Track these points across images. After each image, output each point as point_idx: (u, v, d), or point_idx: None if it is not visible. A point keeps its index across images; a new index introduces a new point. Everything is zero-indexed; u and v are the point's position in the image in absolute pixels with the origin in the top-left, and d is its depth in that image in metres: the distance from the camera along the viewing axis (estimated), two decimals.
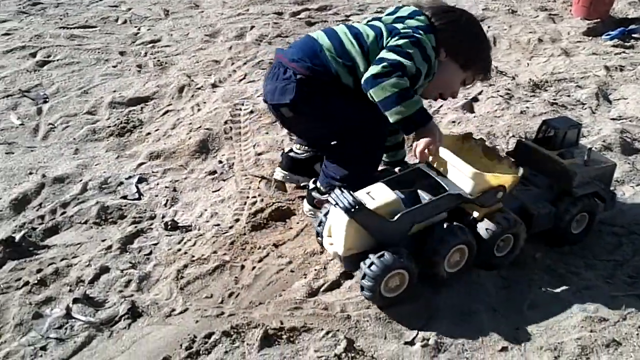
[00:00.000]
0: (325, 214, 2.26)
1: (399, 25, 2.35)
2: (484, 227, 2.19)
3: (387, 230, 2.07)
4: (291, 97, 2.34)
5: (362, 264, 2.05)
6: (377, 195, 2.10)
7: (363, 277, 2.04)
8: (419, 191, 2.26)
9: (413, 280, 2.11)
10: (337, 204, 2.04)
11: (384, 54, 2.25)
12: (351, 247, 2.08)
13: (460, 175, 2.18)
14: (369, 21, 2.46)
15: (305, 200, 2.62)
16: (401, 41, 2.27)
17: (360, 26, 2.42)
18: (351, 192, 2.06)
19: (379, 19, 2.45)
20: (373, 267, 2.01)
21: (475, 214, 2.22)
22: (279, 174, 2.77)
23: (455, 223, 2.17)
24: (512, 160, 2.32)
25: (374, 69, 2.20)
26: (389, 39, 2.31)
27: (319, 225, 2.29)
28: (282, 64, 2.39)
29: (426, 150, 2.22)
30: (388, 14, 2.46)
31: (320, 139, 2.56)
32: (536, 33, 4.66)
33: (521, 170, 2.23)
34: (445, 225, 2.17)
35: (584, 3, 4.90)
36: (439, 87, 2.51)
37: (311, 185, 2.57)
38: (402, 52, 2.24)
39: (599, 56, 4.28)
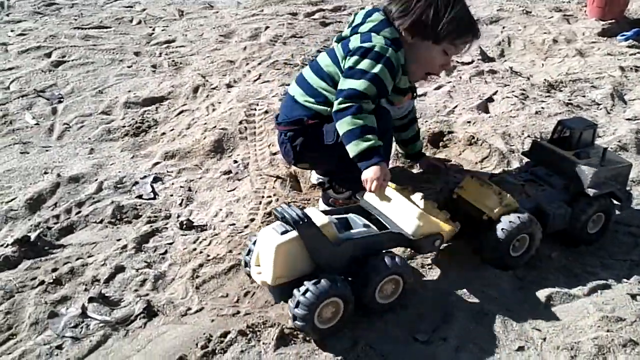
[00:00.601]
0: (254, 242, 2.11)
1: (353, 38, 2.36)
2: (500, 227, 2.18)
3: (327, 254, 1.97)
4: (292, 158, 2.56)
5: (295, 291, 1.92)
6: (313, 217, 1.99)
7: (296, 306, 1.90)
8: (350, 215, 2.21)
9: (348, 310, 1.98)
10: (283, 217, 1.95)
11: (341, 83, 2.30)
12: (281, 275, 1.94)
13: (404, 215, 2.15)
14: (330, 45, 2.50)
15: (320, 199, 2.62)
16: (352, 60, 2.29)
17: (319, 57, 2.49)
18: (298, 208, 1.98)
19: (339, 36, 2.49)
20: (308, 294, 1.89)
21: (493, 214, 2.20)
22: (314, 176, 2.81)
23: (388, 252, 2.08)
24: (449, 214, 2.24)
25: (335, 105, 2.27)
26: (344, 60, 2.34)
27: (247, 255, 2.15)
28: (277, 130, 2.60)
29: (372, 185, 2.22)
30: (348, 26, 2.47)
31: (335, 169, 2.58)
32: (551, 34, 4.64)
33: (458, 225, 2.21)
34: (379, 255, 2.06)
35: (599, 4, 4.88)
36: (422, 68, 2.47)
37: (327, 185, 2.57)
38: (356, 74, 2.26)
39: (613, 57, 4.26)
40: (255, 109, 3.42)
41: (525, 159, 2.57)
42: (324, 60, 2.45)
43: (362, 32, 2.35)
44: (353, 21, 2.45)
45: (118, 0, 5.34)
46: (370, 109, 2.24)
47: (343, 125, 2.22)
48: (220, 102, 3.55)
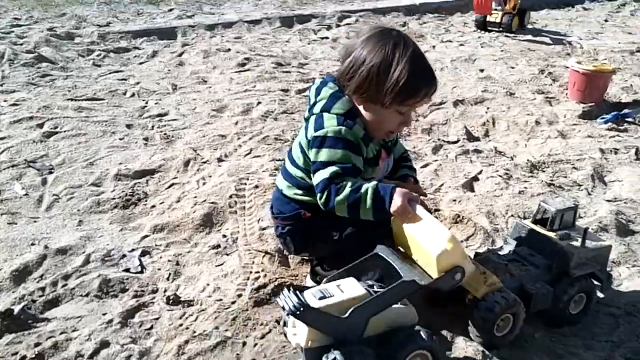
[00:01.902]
0: None
1: (310, 122, 2.31)
2: (485, 306, 2.20)
3: (341, 328, 1.97)
4: (292, 250, 2.58)
5: (324, 357, 1.95)
6: (347, 288, 2.04)
7: None
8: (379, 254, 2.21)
9: None
10: (283, 307, 1.95)
11: (314, 177, 2.26)
12: (313, 339, 1.97)
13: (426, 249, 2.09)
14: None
15: (308, 275, 2.64)
16: (312, 154, 2.25)
17: (293, 146, 2.47)
18: (298, 293, 1.97)
19: (304, 117, 2.42)
20: None
21: (477, 293, 2.23)
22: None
23: (419, 327, 2.07)
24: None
25: (318, 199, 2.24)
26: (309, 150, 2.28)
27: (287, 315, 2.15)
28: (273, 221, 2.62)
29: (402, 215, 2.14)
30: (308, 104, 2.41)
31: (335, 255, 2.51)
32: (533, 115, 4.76)
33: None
34: (408, 329, 2.07)
35: (579, 87, 5.03)
36: (381, 129, 2.35)
37: (315, 262, 2.59)
38: (320, 167, 2.22)
39: (594, 139, 4.37)
40: (246, 184, 3.46)
41: (509, 239, 2.61)
42: (295, 150, 2.43)
43: (315, 113, 2.30)
44: (309, 99, 2.40)
45: (112, 73, 5.44)
46: (343, 183, 2.18)
47: (342, 211, 2.19)
48: (210, 176, 3.59)
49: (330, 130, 2.21)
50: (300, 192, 2.43)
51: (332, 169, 2.19)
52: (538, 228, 2.50)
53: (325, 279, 2.22)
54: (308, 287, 2.10)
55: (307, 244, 2.53)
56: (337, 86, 2.32)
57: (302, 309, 1.91)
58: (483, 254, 2.62)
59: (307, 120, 2.37)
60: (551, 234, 2.45)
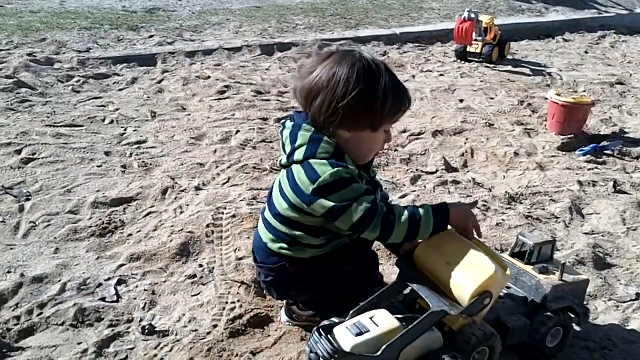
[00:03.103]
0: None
1: (295, 172, 2.18)
2: (461, 339, 2.20)
3: None
4: (275, 296, 2.56)
5: None
6: (380, 321, 2.05)
7: None
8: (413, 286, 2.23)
9: None
10: (315, 352, 1.96)
11: (340, 221, 2.15)
12: None
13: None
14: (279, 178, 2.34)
15: (282, 310, 2.63)
16: (317, 205, 2.14)
17: (274, 195, 2.36)
18: (329, 338, 1.99)
19: (280, 162, 2.31)
20: None
21: (453, 325, 2.23)
22: None
23: (450, 352, 2.12)
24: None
25: (369, 236, 2.18)
26: (308, 205, 2.17)
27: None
28: (256, 267, 2.59)
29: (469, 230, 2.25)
30: (282, 147, 2.30)
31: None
32: (512, 146, 4.82)
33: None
34: (435, 353, 2.12)
35: (558, 119, 5.09)
36: (369, 152, 2.31)
37: (291, 300, 2.59)
38: (334, 215, 2.13)
39: (572, 171, 4.42)
40: (223, 213, 3.46)
41: None
42: (278, 201, 2.31)
43: (297, 161, 2.17)
44: (284, 146, 2.27)
45: (91, 99, 5.42)
46: (375, 204, 2.13)
47: (399, 237, 2.18)
48: (188, 205, 3.58)
49: (329, 174, 2.09)
50: (285, 246, 2.34)
51: (363, 204, 2.10)
52: (515, 261, 2.52)
53: (352, 312, 2.17)
54: (334, 324, 2.09)
55: (291, 291, 2.50)
56: (310, 126, 2.20)
57: (336, 355, 1.92)
58: None
59: (285, 167, 2.25)
60: (528, 268, 2.47)
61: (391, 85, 2.14)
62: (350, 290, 2.35)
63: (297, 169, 2.17)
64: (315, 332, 2.02)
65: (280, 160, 2.29)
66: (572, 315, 2.49)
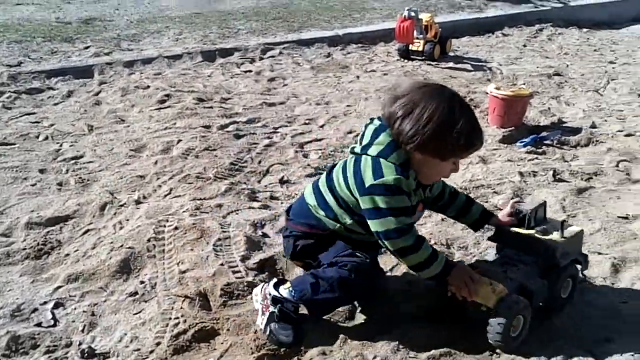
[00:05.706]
0: None
1: (363, 161, 2.41)
2: (499, 313, 2.38)
3: None
4: (290, 254, 2.71)
5: None
6: None
7: None
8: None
9: None
10: None
11: (375, 223, 2.38)
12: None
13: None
14: (346, 160, 2.55)
15: (258, 287, 2.66)
16: (367, 199, 2.37)
17: (335, 173, 2.57)
18: None
19: (352, 149, 2.53)
20: None
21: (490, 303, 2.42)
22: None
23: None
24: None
25: (389, 245, 2.39)
26: (357, 194, 2.41)
27: None
28: (286, 222, 2.77)
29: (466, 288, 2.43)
30: (360, 140, 2.50)
31: None
32: None
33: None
34: None
35: (499, 112, 5.12)
36: (434, 176, 2.54)
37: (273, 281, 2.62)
38: (374, 214, 2.37)
39: (513, 162, 4.43)
40: (165, 226, 3.34)
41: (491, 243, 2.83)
42: (338, 180, 2.52)
43: (371, 155, 2.39)
44: (363, 137, 2.48)
45: (24, 116, 5.23)
46: (408, 227, 2.38)
47: (413, 261, 2.41)
48: (128, 220, 3.45)
49: (391, 179, 2.32)
50: (323, 213, 2.56)
51: (401, 219, 2.35)
52: (519, 229, 2.66)
53: None
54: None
55: (307, 254, 2.65)
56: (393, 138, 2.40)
57: None
58: (475, 264, 2.72)
59: (355, 154, 2.48)
60: (532, 232, 2.62)
61: (467, 127, 2.34)
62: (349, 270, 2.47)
63: (366, 160, 2.40)
64: None
65: (353, 148, 2.52)
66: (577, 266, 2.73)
